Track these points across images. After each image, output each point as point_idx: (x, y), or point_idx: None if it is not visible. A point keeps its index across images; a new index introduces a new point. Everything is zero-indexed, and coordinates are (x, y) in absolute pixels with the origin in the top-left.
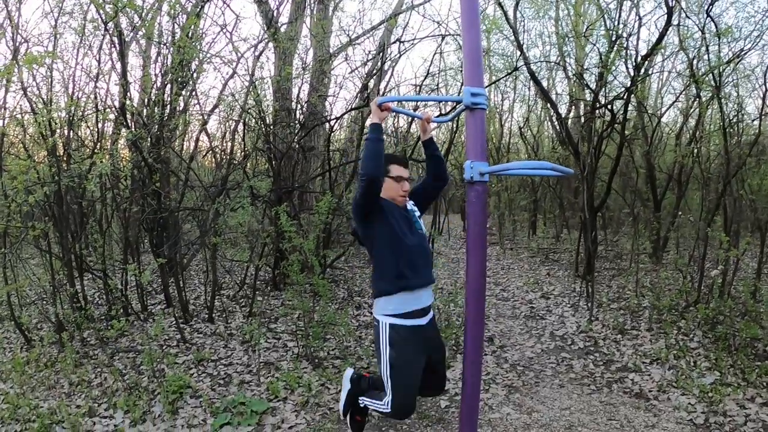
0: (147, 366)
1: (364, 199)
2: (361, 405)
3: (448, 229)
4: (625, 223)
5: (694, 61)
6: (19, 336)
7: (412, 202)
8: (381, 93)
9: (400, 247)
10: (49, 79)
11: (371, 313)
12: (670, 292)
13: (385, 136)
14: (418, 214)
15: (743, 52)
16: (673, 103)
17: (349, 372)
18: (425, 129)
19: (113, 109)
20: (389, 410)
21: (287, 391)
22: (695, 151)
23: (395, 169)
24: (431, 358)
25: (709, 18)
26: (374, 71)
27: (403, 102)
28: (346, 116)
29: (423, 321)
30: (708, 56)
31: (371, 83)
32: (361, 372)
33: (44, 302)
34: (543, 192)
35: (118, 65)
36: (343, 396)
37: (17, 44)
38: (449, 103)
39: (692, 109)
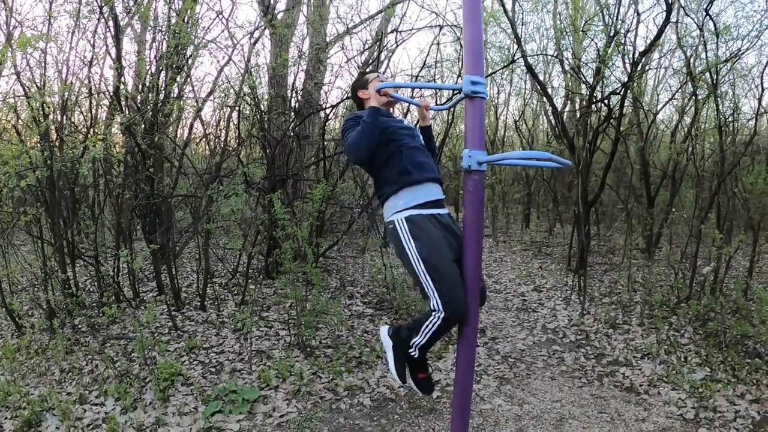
0: (138, 353)
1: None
2: (415, 355)
3: None
4: (618, 218)
5: (692, 59)
6: (10, 323)
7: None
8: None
9: (402, 148)
10: (43, 64)
11: (363, 303)
12: (662, 288)
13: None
14: (417, 131)
15: (741, 52)
16: (669, 100)
17: (384, 330)
18: (424, 116)
19: (107, 94)
20: (441, 314)
21: (279, 379)
22: (690, 148)
23: (372, 76)
24: (458, 247)
25: (707, 16)
26: (370, 61)
27: (401, 89)
28: (341, 106)
29: (440, 211)
30: (705, 54)
31: (368, 72)
32: (396, 325)
33: (35, 289)
34: (537, 185)
35: (113, 50)
36: (390, 358)
37: (11, 28)
38: (445, 93)
39: (688, 107)
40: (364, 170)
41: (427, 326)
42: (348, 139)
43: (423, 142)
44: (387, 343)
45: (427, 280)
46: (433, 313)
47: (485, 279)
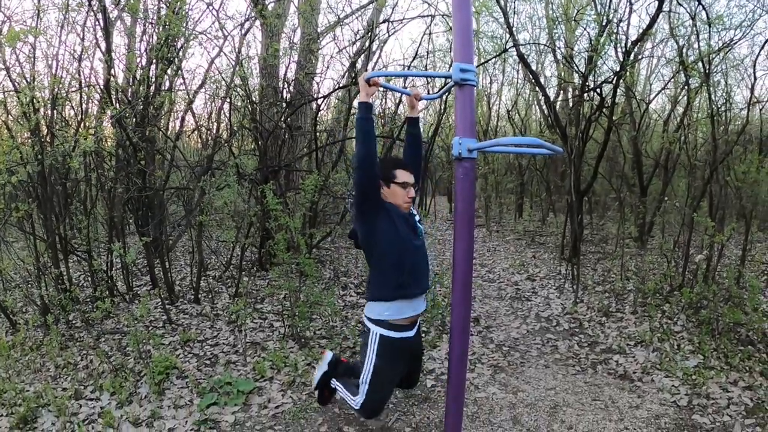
0: (133, 347)
1: (362, 181)
2: (332, 387)
3: (434, 210)
4: (611, 207)
5: (684, 49)
6: (4, 320)
7: (413, 208)
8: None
9: (404, 252)
10: (32, 58)
11: (357, 293)
12: (654, 277)
13: (373, 116)
14: (418, 218)
15: (733, 42)
16: (662, 89)
17: (329, 355)
18: (413, 106)
19: (97, 87)
20: (358, 409)
21: (273, 370)
22: (683, 137)
23: (401, 175)
24: (410, 366)
25: (700, 6)
26: (362, 51)
27: (392, 78)
28: (333, 97)
29: (411, 333)
30: (698, 44)
31: (359, 63)
32: (340, 356)
33: (29, 285)
34: (530, 175)
35: (103, 43)
36: (318, 374)
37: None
38: (437, 84)
39: (680, 97)
40: (364, 256)
41: (347, 393)
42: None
43: (407, 133)
44: (323, 366)
45: (366, 384)
46: (356, 398)
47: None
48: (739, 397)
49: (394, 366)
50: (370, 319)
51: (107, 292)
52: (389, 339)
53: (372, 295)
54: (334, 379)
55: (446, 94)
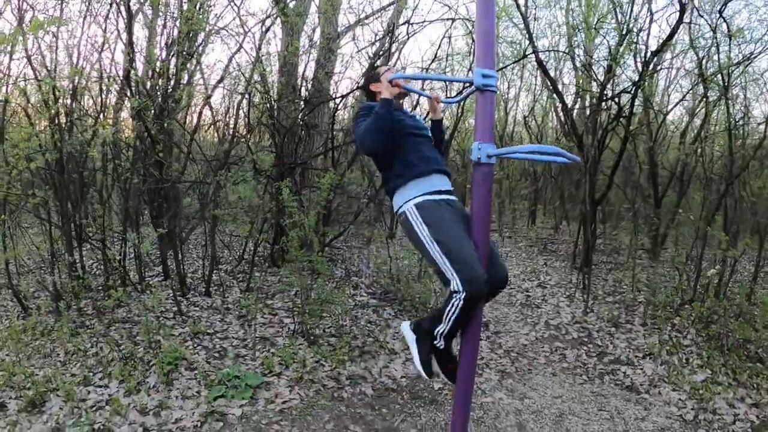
0: (143, 337)
1: (378, 150)
2: (440, 346)
3: None
4: (624, 217)
5: (704, 61)
6: (16, 304)
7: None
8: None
9: (410, 142)
10: (54, 48)
11: (368, 294)
12: (665, 289)
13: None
14: (423, 123)
15: (753, 55)
16: (680, 101)
17: (405, 325)
18: (435, 108)
19: (117, 78)
20: (463, 294)
21: (282, 366)
22: (699, 150)
23: (383, 69)
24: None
25: (721, 18)
26: (381, 52)
27: (412, 81)
28: (351, 97)
29: (449, 197)
30: (718, 56)
31: (378, 63)
32: (414, 319)
33: (42, 271)
34: (544, 182)
35: (124, 35)
36: (415, 353)
37: (23, 11)
38: (455, 88)
39: (699, 109)
40: (373, 162)
41: (449, 311)
42: (359, 129)
43: (432, 136)
44: (410, 337)
45: (445, 263)
46: (455, 295)
47: (505, 268)
48: (746, 414)
49: (449, 221)
50: (399, 207)
51: (120, 282)
52: (426, 202)
53: (392, 189)
54: (434, 337)
55: (464, 100)
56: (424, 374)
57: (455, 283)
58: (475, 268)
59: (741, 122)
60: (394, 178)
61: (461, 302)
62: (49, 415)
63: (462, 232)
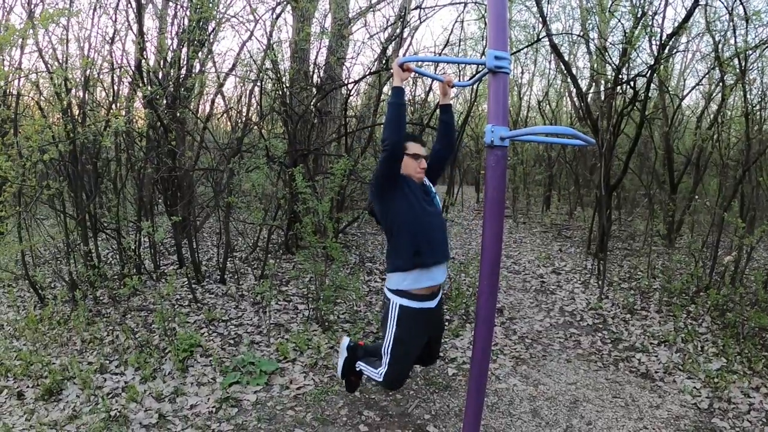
0: (158, 325)
1: (387, 165)
2: (357, 369)
3: (461, 200)
4: (640, 203)
5: (720, 44)
6: (33, 294)
7: (427, 179)
8: None
9: (419, 222)
10: (65, 40)
11: (382, 279)
12: (681, 276)
13: (406, 101)
14: (434, 190)
15: None
16: (696, 85)
17: (345, 341)
18: (446, 92)
19: (128, 69)
20: (381, 380)
21: (296, 352)
22: (715, 135)
23: (412, 147)
24: (431, 338)
25: (738, 1)
26: (393, 37)
27: (424, 64)
28: (363, 83)
29: (432, 303)
30: (734, 40)
31: (390, 49)
32: (357, 340)
33: (58, 261)
34: (559, 168)
35: (135, 25)
36: (340, 363)
37: (33, 6)
38: (467, 74)
39: (715, 93)
40: (378, 221)
41: (369, 368)
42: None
43: (441, 120)
44: (343, 353)
45: (388, 354)
46: (379, 369)
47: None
48: (761, 403)
49: (414, 336)
50: (390, 290)
51: (135, 270)
52: (409, 309)
53: (390, 266)
54: (357, 362)
55: (478, 82)
56: (339, 376)
57: (382, 369)
58: (401, 377)
59: (758, 107)
60: (398, 257)
61: (376, 377)
62: (66, 402)
63: (416, 349)
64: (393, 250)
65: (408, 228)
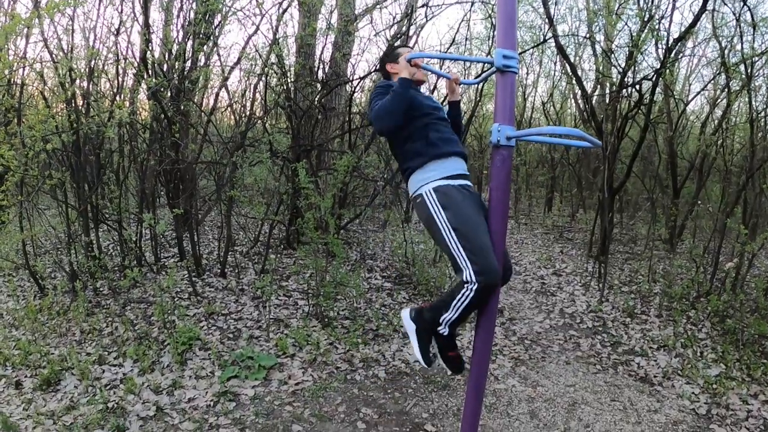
0: (158, 317)
1: (390, 130)
2: (444, 333)
3: None
4: (642, 207)
5: (726, 50)
6: (33, 284)
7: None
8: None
9: (429, 122)
10: (70, 31)
11: (383, 277)
12: (682, 281)
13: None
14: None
15: None
16: (701, 90)
17: (405, 313)
18: (454, 90)
19: (133, 60)
20: (475, 285)
21: (295, 348)
22: (720, 141)
23: (405, 51)
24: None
25: (745, 6)
26: (399, 35)
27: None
28: (368, 80)
29: (467, 182)
30: (741, 46)
31: (397, 46)
32: (418, 306)
33: (59, 251)
34: (561, 170)
35: (141, 17)
36: (414, 343)
37: None
38: (473, 72)
39: (720, 99)
40: (389, 143)
41: (459, 300)
42: (375, 107)
43: (450, 118)
44: (410, 327)
45: (459, 250)
46: (466, 285)
47: (510, 259)
48: (759, 410)
49: (467, 208)
50: (416, 190)
51: (135, 262)
52: (444, 187)
53: (409, 170)
54: (439, 324)
55: (484, 81)
56: (423, 363)
57: (468, 273)
58: (489, 259)
59: (763, 114)
60: (412, 157)
61: (472, 293)
62: (63, 393)
63: (480, 221)
64: (408, 155)
65: (418, 131)
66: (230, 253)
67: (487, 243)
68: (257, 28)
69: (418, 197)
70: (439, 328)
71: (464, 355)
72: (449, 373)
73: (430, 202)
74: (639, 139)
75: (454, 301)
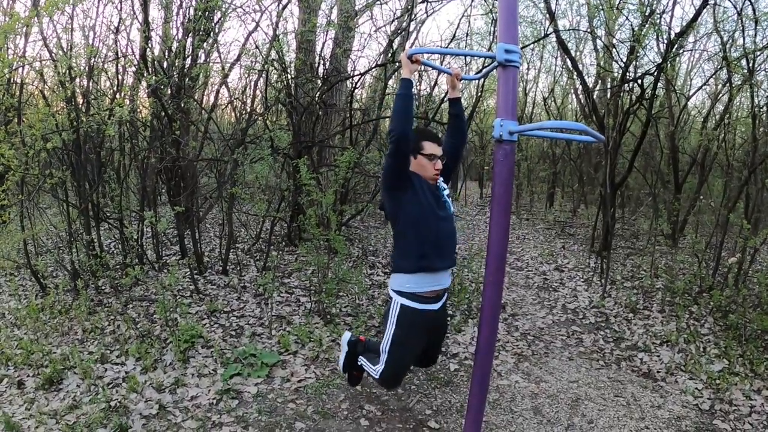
0: (160, 315)
1: (394, 158)
2: (359, 364)
3: (465, 195)
4: (644, 202)
5: (728, 45)
6: (35, 283)
7: (441, 179)
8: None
9: (428, 226)
10: (70, 29)
11: (385, 273)
12: (684, 276)
13: (414, 93)
14: (447, 192)
15: None
16: (703, 85)
17: (346, 336)
18: (454, 85)
19: (133, 58)
20: (378, 378)
21: (298, 345)
22: (721, 136)
23: (428, 147)
24: (431, 340)
25: (747, 1)
26: (399, 30)
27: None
28: (368, 76)
29: (436, 306)
30: (743, 40)
31: (396, 42)
32: (358, 336)
33: (60, 250)
34: (563, 165)
35: (140, 14)
36: (341, 357)
37: None
38: (474, 68)
39: (722, 94)
40: (387, 217)
41: (369, 364)
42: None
43: (450, 114)
44: (344, 347)
45: (386, 353)
46: (376, 367)
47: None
48: (762, 406)
49: (413, 338)
50: (393, 290)
51: (137, 260)
52: (410, 309)
53: (395, 266)
54: (359, 357)
55: (485, 76)
56: (340, 370)
57: (379, 368)
58: (395, 379)
59: (765, 108)
60: (404, 257)
61: (374, 374)
62: (66, 392)
63: (416, 351)
64: (398, 251)
65: (416, 230)
66: (232, 250)
67: (404, 370)
68: (257, 25)
69: (390, 296)
70: (358, 358)
71: (467, 351)
72: (346, 382)
73: (393, 311)
74: (641, 134)
75: (369, 363)
